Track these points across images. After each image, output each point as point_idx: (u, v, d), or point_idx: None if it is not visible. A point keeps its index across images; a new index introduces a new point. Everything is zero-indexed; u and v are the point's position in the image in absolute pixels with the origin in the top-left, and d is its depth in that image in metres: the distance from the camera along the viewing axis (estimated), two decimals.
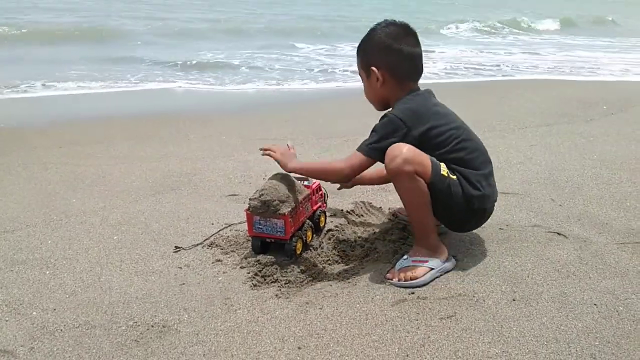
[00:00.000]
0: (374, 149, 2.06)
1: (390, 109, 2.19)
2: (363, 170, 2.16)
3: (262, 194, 2.20)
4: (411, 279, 2.02)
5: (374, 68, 2.16)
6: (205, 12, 19.05)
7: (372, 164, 2.13)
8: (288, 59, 9.96)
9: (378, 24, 2.22)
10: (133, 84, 7.29)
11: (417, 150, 2.00)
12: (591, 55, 11.22)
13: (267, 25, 15.70)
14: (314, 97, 6.78)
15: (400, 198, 2.13)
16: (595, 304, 1.86)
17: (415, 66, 2.19)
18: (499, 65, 9.46)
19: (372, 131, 2.12)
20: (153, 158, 3.82)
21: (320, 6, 23.88)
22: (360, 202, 2.88)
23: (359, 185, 2.96)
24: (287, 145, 2.42)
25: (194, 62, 9.04)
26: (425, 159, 2.01)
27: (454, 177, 2.05)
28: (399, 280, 2.03)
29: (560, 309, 1.83)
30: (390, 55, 2.14)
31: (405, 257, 2.14)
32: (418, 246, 2.16)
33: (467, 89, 7.07)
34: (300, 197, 2.30)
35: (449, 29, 17.13)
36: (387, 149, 2.01)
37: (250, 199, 2.23)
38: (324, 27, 15.69)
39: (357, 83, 2.70)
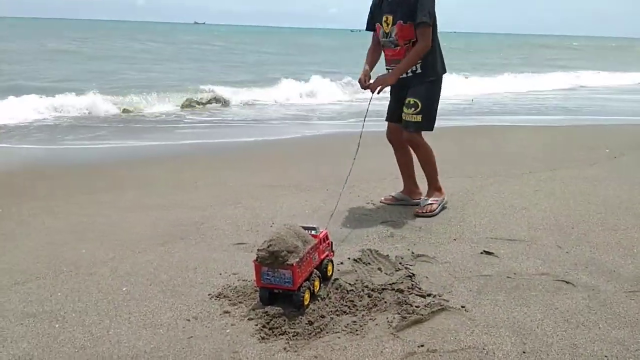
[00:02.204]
0: (431, 15, 3.21)
1: None
2: None
3: (270, 245, 2.23)
4: (430, 211, 3.44)
5: None
6: None
7: None
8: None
9: None
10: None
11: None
12: None
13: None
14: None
15: (419, 160, 3.55)
16: (605, 356, 1.84)
17: None
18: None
19: (422, 4, 3.17)
20: (161, 207, 3.88)
21: None
22: (367, 249, 2.89)
23: (366, 233, 3.01)
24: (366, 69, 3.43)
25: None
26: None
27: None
28: (423, 213, 3.44)
29: None
30: None
31: (425, 198, 3.58)
32: (431, 190, 3.59)
33: (466, 132, 7.17)
34: (307, 247, 2.33)
35: None
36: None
37: (258, 250, 2.26)
38: None
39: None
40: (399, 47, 3.33)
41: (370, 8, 3.49)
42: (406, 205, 3.66)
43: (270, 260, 2.21)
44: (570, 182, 4.20)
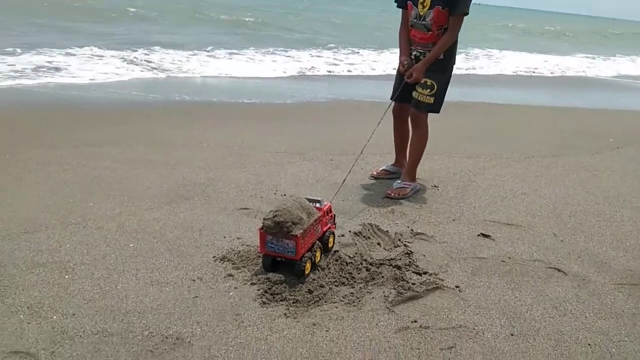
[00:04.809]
0: (465, 10, 3.26)
1: None
2: None
3: (276, 215, 2.30)
4: (402, 195, 3.42)
5: None
6: None
7: None
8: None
9: None
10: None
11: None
12: None
13: None
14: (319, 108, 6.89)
15: (412, 142, 3.58)
16: (589, 344, 1.94)
17: None
18: None
19: None
20: (168, 164, 3.93)
21: None
22: (368, 224, 2.97)
23: (367, 207, 3.09)
24: (405, 64, 3.46)
25: None
26: None
27: None
28: (394, 195, 3.41)
29: (556, 347, 1.92)
30: None
31: (398, 181, 3.57)
32: (406, 175, 3.60)
33: (473, 109, 7.16)
34: (311, 220, 2.39)
35: None
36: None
37: (264, 219, 2.33)
38: None
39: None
40: (430, 32, 3.33)
41: None
42: (399, 177, 3.73)
43: (275, 229, 2.28)
44: (571, 170, 4.25)
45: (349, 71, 11.00)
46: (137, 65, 9.19)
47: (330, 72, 10.69)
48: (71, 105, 6.04)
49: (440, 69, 3.39)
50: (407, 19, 3.45)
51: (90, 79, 7.74)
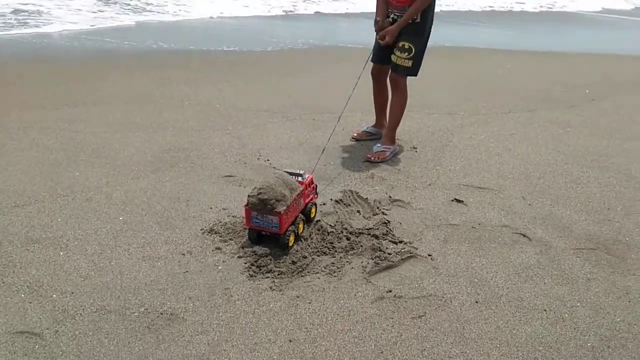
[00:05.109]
0: None
1: None
2: None
3: (260, 192, 2.41)
4: (382, 158, 3.54)
5: None
6: None
7: None
8: None
9: None
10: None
11: None
12: None
13: None
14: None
15: (391, 105, 3.66)
16: (545, 310, 2.16)
17: None
18: None
19: None
20: (150, 127, 3.96)
21: None
22: (349, 190, 3.11)
23: (348, 173, 3.21)
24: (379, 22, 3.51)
25: None
26: None
27: None
28: (374, 159, 3.53)
29: (515, 313, 2.13)
30: None
31: (378, 144, 3.65)
32: (386, 138, 3.67)
33: (453, 53, 7.15)
34: (294, 195, 2.52)
35: None
36: None
37: (249, 196, 2.44)
38: None
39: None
40: None
41: None
42: (379, 138, 3.84)
43: (259, 206, 2.40)
44: (545, 127, 4.39)
45: (334, 10, 10.76)
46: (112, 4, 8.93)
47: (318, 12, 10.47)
48: (47, 56, 5.91)
49: (418, 32, 3.42)
50: None
51: (63, 27, 7.50)
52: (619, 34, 11.21)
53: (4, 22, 7.27)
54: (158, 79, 5.24)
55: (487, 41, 8.62)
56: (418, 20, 3.40)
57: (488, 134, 4.15)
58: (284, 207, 2.40)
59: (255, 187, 2.46)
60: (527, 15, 12.64)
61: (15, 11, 7.79)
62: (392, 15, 3.47)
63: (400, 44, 3.43)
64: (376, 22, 3.50)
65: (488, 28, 10.48)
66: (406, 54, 3.42)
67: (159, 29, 8.15)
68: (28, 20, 7.50)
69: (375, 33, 3.58)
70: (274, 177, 2.50)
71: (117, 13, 8.63)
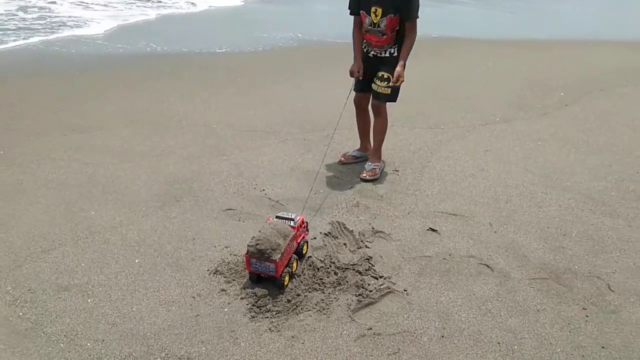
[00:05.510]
0: (417, 16, 3.66)
1: None
2: None
3: (258, 243, 2.80)
4: (374, 175, 4.04)
5: None
6: None
7: None
8: None
9: None
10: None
11: None
12: None
13: None
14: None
15: (375, 128, 4.08)
16: (499, 343, 2.59)
17: None
18: None
19: (413, 5, 3.58)
20: (153, 155, 4.29)
21: None
22: (336, 222, 3.50)
23: (336, 202, 3.60)
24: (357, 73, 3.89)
25: None
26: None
27: None
28: (368, 177, 4.02)
29: (474, 347, 2.56)
30: None
31: (369, 163, 4.14)
32: (374, 156, 4.16)
33: (437, 46, 7.40)
34: (287, 240, 2.90)
35: None
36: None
37: (249, 245, 2.83)
38: None
39: None
40: (385, 36, 3.72)
41: None
42: (364, 160, 4.28)
43: (258, 255, 2.79)
44: (518, 141, 4.75)
45: None
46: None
47: None
48: (46, 69, 6.13)
49: (395, 64, 3.77)
50: (360, 24, 3.80)
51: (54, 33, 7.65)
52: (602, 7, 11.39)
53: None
54: (155, 94, 5.52)
55: (470, 29, 8.83)
56: (395, 54, 3.78)
57: (464, 151, 4.52)
58: (279, 255, 2.80)
59: (253, 238, 2.84)
60: None
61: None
62: (372, 52, 3.82)
63: (380, 74, 3.80)
64: (352, 72, 3.85)
65: (472, 7, 10.63)
66: (386, 82, 3.79)
67: (149, 28, 8.30)
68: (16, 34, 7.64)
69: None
70: (269, 229, 2.88)
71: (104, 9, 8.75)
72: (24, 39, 7.00)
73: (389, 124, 4.07)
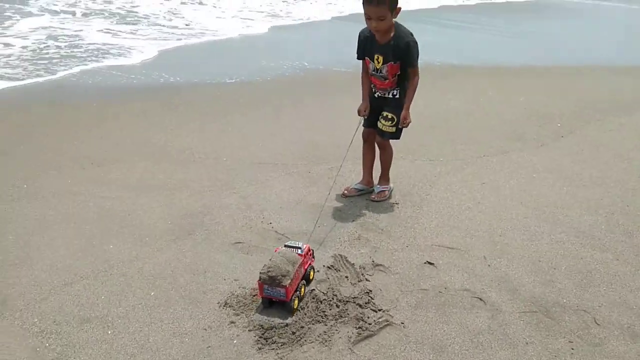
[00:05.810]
0: (417, 63, 3.96)
1: (406, 35, 3.88)
2: None
3: (269, 270, 3.05)
4: (383, 197, 4.44)
5: (399, 6, 3.73)
6: None
7: None
8: None
9: None
10: None
11: None
12: None
13: None
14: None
15: (381, 158, 4.46)
16: None
17: None
18: None
19: (412, 54, 3.87)
20: (167, 188, 4.56)
21: None
22: (339, 255, 3.72)
23: (339, 235, 3.82)
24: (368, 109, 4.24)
25: None
26: None
27: None
28: (378, 199, 4.42)
29: None
30: None
31: (378, 185, 4.52)
32: (383, 179, 4.53)
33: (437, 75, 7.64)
34: (296, 267, 3.14)
35: None
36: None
37: (261, 272, 3.07)
38: None
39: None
40: (387, 80, 4.06)
41: (361, 39, 4.08)
42: (367, 193, 4.56)
43: (269, 281, 3.05)
44: (514, 173, 4.97)
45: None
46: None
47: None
48: (55, 103, 6.46)
49: (398, 105, 4.10)
50: (367, 70, 4.03)
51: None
52: (602, 26, 11.63)
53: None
54: (167, 123, 5.81)
55: (470, 56, 9.10)
56: (397, 96, 4.08)
57: (462, 184, 4.74)
58: (289, 281, 3.04)
59: (265, 265, 3.09)
60: (514, 5, 13.00)
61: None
62: (377, 93, 4.18)
63: (385, 114, 4.14)
64: (359, 111, 4.20)
65: (472, 32, 10.92)
66: (390, 122, 4.09)
67: (162, 58, 8.64)
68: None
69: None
70: (279, 257, 3.13)
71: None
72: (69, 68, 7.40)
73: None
